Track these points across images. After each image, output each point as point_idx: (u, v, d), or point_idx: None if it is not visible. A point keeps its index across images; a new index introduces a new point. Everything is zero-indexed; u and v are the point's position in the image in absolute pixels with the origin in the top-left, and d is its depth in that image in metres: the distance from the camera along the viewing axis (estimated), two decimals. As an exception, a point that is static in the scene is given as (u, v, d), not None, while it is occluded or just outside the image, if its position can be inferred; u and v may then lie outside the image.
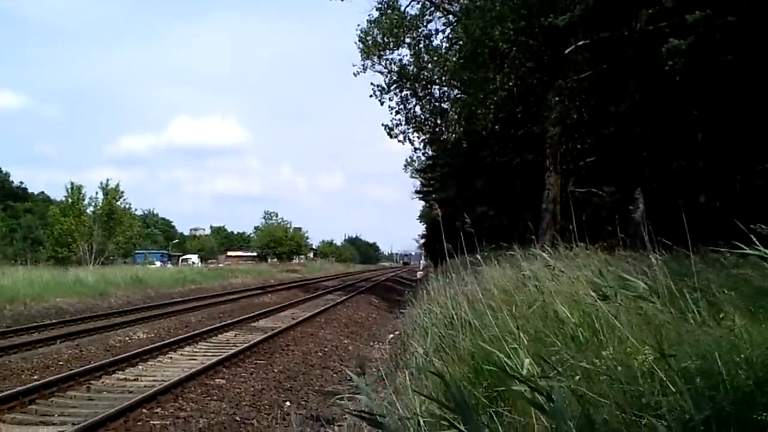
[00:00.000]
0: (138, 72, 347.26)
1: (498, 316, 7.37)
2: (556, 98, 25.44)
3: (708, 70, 18.53)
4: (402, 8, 36.31)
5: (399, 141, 39.79)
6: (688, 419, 3.58)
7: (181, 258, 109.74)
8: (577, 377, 4.68)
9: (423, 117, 39.97)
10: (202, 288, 46.79)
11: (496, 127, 29.16)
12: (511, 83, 27.28)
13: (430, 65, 36.70)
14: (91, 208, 65.91)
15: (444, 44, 36.16)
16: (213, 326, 21.78)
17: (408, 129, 39.59)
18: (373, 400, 3.98)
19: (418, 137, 41.03)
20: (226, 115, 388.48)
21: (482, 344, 6.65)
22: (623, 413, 3.99)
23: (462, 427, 3.30)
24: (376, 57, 37.29)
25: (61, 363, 15.48)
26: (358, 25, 38.14)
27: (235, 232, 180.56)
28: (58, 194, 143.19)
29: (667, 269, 6.41)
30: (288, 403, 12.19)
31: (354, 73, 37.77)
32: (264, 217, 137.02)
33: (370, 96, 37.91)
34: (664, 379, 4.05)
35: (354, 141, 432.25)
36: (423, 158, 58.42)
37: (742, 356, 4.17)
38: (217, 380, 13.76)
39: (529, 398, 3.82)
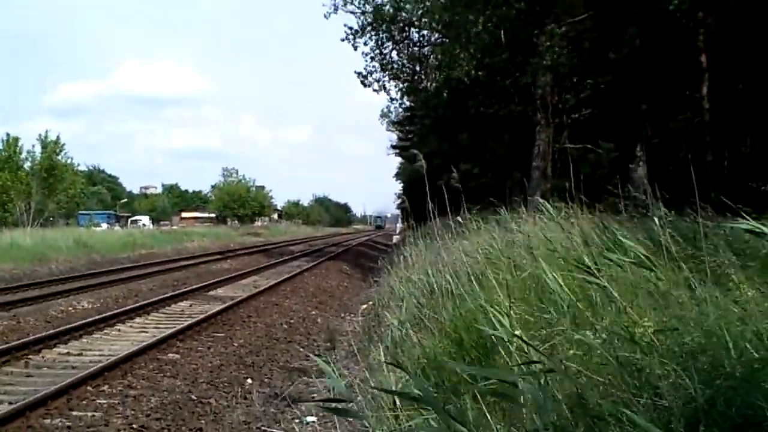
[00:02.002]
0: (81, 11, 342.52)
1: (483, 284, 7.39)
2: (548, 43, 25.27)
3: (717, 8, 18.51)
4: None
5: (374, 90, 39.57)
6: (690, 398, 3.61)
7: (130, 219, 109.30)
8: (570, 352, 4.70)
9: (400, 63, 39.71)
10: (154, 253, 46.67)
11: (480, 74, 28.98)
12: (497, 26, 27.11)
13: (408, 5, 36.35)
14: (29, 163, 65.21)
15: (425, -20, 35.81)
16: (166, 295, 21.71)
17: (384, 77, 39.36)
18: (340, 382, 3.96)
19: (395, 86, 40.88)
20: (182, 61, 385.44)
21: (464, 315, 6.67)
22: (620, 392, 4.01)
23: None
24: (348, -5, 36.94)
25: (-5, 336, 15.41)
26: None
27: (191, 191, 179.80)
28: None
29: (670, 234, 6.43)
30: (250, 381, 12.19)
31: (324, 15, 37.43)
32: (223, 175, 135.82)
33: (343, 40, 37.59)
34: (665, 354, 4.07)
35: (324, 91, 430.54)
36: (400, 109, 58.28)
37: (751, 330, 4.19)
38: (170, 355, 13.74)
39: (499, 390, 3.84)
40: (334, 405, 3.99)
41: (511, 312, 5.61)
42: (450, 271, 9.31)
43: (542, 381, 3.88)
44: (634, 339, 4.34)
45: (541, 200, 9.71)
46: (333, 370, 4.12)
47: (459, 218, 12.66)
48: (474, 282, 7.50)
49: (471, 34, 26.79)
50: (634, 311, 4.82)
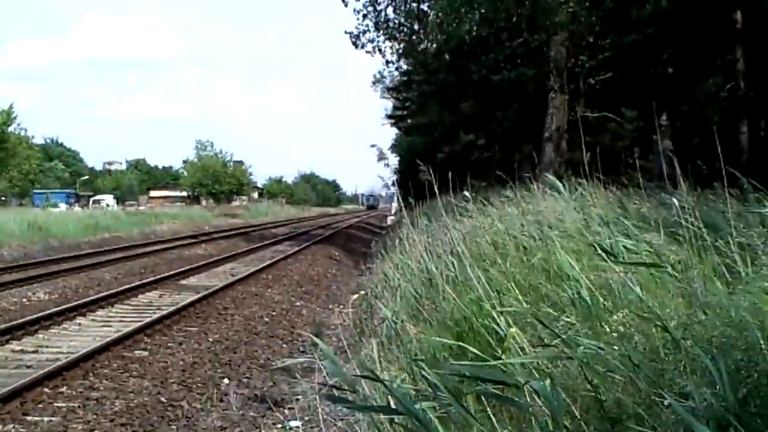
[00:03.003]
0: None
1: (488, 271, 7.40)
2: (561, -2, 25.22)
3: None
4: None
5: (367, 52, 39.38)
6: (720, 399, 3.62)
7: (92, 199, 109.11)
8: (581, 348, 4.71)
9: (397, 22, 39.44)
10: (119, 237, 46.62)
11: (486, 33, 28.86)
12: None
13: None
14: (-24, 136, 64.90)
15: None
16: (132, 285, 21.72)
17: (378, 37, 39.13)
18: (341, 369, 3.97)
19: (391, 47, 40.61)
20: (151, 16, 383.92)
21: (465, 307, 6.68)
22: (640, 392, 4.03)
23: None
24: (337, -57, 36.73)
25: (-60, 331, 15.40)
26: None
27: (160, 167, 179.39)
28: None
29: (697, 213, 6.44)
30: (226, 381, 12.23)
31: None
32: (196, 148, 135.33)
33: (332, -6, 37.40)
34: (690, 351, 4.08)
35: (312, 54, 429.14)
36: (396, 73, 57.99)
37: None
38: (137, 352, 13.77)
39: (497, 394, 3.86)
40: (338, 395, 3.98)
41: (515, 303, 5.63)
42: (450, 257, 9.32)
43: (553, 381, 3.90)
44: (665, 328, 4.34)
45: (550, 177, 9.68)
46: (333, 356, 4.12)
47: (463, 196, 12.67)
48: (476, 271, 7.51)
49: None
50: (656, 302, 4.83)
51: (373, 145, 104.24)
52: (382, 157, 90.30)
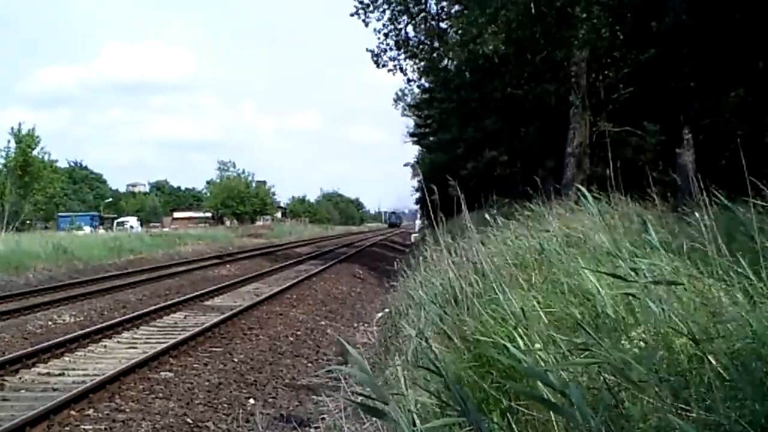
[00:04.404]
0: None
1: (508, 290, 7.40)
2: (584, 14, 25.15)
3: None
4: None
5: (389, 71, 39.42)
6: (747, 413, 3.61)
7: (116, 221, 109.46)
8: (603, 365, 4.70)
9: (417, 40, 39.45)
10: (143, 258, 46.68)
11: (508, 50, 28.84)
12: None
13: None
14: (2, 160, 65.05)
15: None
16: (157, 306, 21.78)
17: (399, 55, 39.15)
18: (372, 378, 3.97)
19: (412, 65, 40.60)
20: (173, 41, 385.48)
21: (484, 326, 6.67)
22: (666, 406, 4.01)
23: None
24: (356, -38, 36.78)
25: (-33, 355, 15.45)
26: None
27: (183, 188, 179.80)
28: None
29: (721, 228, 6.41)
30: (252, 401, 12.23)
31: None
32: (219, 169, 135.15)
33: (352, 14, 37.42)
34: (715, 364, 4.07)
35: (333, 72, 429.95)
36: (417, 90, 58.00)
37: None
38: (162, 373, 13.80)
39: (540, 395, 3.85)
40: (371, 406, 3.99)
41: (533, 320, 5.63)
42: (475, 275, 9.31)
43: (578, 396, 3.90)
44: (693, 340, 4.32)
45: (581, 188, 9.61)
46: (364, 364, 4.12)
47: (486, 214, 12.67)
48: (497, 288, 7.50)
49: (496, 5, 26.52)
50: (677, 316, 4.82)
51: (407, 164, 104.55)
52: (417, 173, 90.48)
